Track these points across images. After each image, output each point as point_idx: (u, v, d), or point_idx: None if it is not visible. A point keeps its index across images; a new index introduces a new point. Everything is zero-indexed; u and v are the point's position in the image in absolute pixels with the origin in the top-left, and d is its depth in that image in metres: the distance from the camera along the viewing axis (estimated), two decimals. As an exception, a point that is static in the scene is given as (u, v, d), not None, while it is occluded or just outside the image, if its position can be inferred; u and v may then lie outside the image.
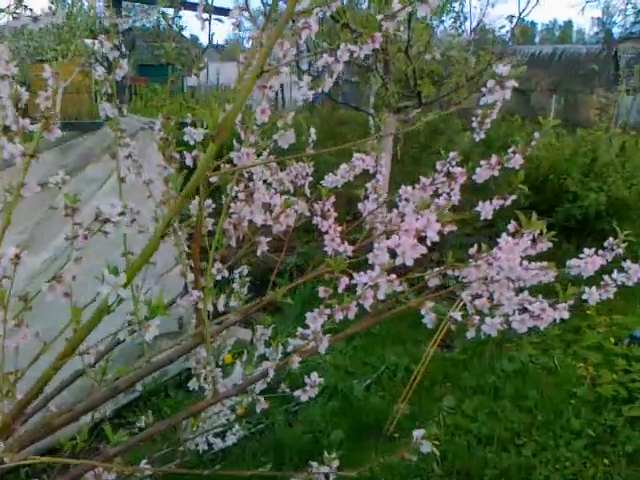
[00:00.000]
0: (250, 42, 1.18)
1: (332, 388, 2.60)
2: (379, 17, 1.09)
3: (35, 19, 1.02)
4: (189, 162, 0.93)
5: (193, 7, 1.18)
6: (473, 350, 3.11)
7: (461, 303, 1.33)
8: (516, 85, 0.93)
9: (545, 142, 5.14)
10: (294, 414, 2.47)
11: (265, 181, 1.21)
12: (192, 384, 1.53)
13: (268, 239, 1.27)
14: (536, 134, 1.30)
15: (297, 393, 0.99)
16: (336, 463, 0.94)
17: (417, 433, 0.96)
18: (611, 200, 4.77)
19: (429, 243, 0.84)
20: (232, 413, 1.41)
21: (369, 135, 5.76)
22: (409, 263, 0.83)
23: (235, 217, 1.00)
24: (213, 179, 0.86)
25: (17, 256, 0.66)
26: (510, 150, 1.30)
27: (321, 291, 1.06)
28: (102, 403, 0.90)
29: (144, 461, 1.21)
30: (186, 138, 0.92)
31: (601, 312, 3.49)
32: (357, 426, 2.38)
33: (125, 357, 1.90)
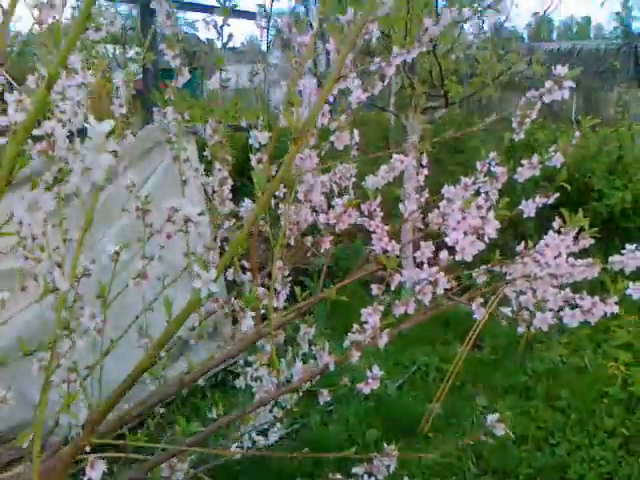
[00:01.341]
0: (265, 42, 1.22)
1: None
2: (427, 22, 1.13)
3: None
4: (254, 164, 0.97)
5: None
6: (503, 350, 3.12)
7: (495, 301, 1.36)
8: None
9: (569, 139, 5.12)
10: (329, 413, 2.50)
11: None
12: (239, 383, 1.57)
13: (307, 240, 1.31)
14: (577, 133, 1.33)
15: (360, 386, 1.02)
16: (396, 453, 0.97)
17: (491, 417, 1.00)
18: (636, 198, 4.74)
19: (487, 240, 0.87)
20: (280, 410, 1.45)
21: (390, 136, 5.78)
22: (468, 259, 0.87)
23: (293, 218, 1.04)
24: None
25: (117, 253, 0.71)
26: (551, 149, 1.33)
27: (374, 288, 1.10)
28: (171, 396, 0.95)
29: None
30: (251, 141, 0.96)
31: (630, 312, 3.48)
32: (391, 425, 2.41)
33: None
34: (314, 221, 1.29)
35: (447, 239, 0.88)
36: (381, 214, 1.29)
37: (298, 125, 0.69)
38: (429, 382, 2.83)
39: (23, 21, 1.08)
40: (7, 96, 0.79)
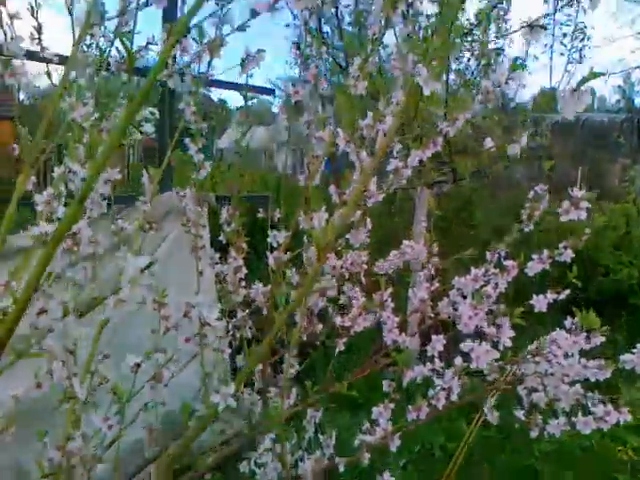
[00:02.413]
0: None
1: (369, 467, 2.56)
2: (441, 125, 1.17)
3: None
4: (271, 262, 0.99)
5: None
6: (509, 428, 3.06)
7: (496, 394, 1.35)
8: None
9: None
10: (331, 492, 2.43)
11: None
12: (243, 467, 1.54)
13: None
14: (587, 230, 1.34)
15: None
16: None
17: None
18: (643, 274, 4.75)
19: (501, 348, 0.87)
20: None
21: (396, 206, 5.85)
22: (482, 367, 0.87)
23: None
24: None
25: (137, 365, 0.71)
26: (561, 245, 1.34)
27: (385, 384, 1.09)
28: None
29: None
30: (270, 240, 0.98)
31: (637, 395, 3.43)
32: (395, 508, 2.34)
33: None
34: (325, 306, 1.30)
35: (462, 345, 0.89)
36: (392, 305, 1.30)
37: (323, 242, 0.71)
38: (434, 461, 2.76)
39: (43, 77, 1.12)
40: (36, 197, 0.81)
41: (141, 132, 1.29)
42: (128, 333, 1.39)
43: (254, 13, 0.74)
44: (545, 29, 0.68)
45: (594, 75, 0.62)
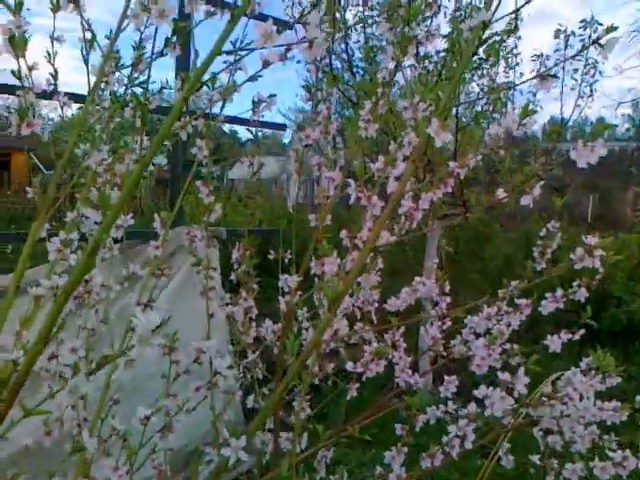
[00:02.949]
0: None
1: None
2: (452, 164, 1.17)
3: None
4: (283, 307, 0.99)
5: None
6: (524, 464, 3.00)
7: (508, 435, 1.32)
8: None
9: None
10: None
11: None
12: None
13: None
14: (600, 269, 1.33)
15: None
16: None
17: None
18: (657, 306, 4.68)
19: (516, 395, 0.86)
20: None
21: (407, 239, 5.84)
22: (498, 414, 0.85)
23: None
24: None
25: (147, 417, 0.71)
26: (575, 283, 1.33)
27: (398, 428, 1.08)
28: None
29: None
30: (281, 284, 0.98)
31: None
32: None
33: None
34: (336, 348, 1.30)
35: (476, 392, 0.88)
36: (404, 345, 1.29)
37: (334, 294, 0.71)
38: (448, 499, 2.71)
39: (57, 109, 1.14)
40: (49, 244, 0.82)
41: (153, 164, 1.29)
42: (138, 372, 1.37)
43: (266, 63, 0.75)
44: (557, 78, 0.68)
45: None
